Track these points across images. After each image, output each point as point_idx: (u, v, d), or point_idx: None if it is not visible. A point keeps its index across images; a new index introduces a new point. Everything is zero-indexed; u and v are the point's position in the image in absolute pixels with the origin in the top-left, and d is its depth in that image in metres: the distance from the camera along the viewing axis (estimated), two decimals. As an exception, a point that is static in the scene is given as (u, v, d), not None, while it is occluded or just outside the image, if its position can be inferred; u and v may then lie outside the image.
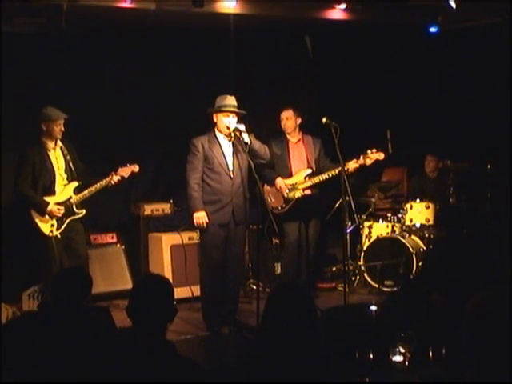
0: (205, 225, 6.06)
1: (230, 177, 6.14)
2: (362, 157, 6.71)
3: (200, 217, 6.05)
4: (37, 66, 7.07)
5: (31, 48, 6.99)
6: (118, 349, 2.94)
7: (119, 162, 6.42)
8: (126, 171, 6.39)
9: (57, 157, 6.34)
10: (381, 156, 6.76)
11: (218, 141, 6.16)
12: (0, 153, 6.71)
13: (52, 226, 6.22)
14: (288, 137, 7.12)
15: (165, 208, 7.56)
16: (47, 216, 6.21)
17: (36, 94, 7.03)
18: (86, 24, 6.81)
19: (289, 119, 7.06)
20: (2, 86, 6.68)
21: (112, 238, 7.47)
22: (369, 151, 6.71)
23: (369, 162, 6.73)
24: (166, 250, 7.21)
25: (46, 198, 6.25)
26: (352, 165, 6.68)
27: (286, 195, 6.93)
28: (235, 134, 6.06)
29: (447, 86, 8.61)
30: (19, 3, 5.96)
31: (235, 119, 6.10)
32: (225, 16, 6.88)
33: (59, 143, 6.35)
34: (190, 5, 6.41)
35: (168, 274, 6.93)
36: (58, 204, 6.25)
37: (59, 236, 6.24)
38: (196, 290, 6.66)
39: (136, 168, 6.44)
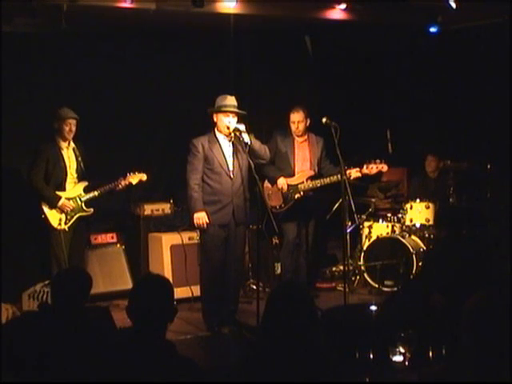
0: (205, 225, 6.05)
1: (230, 177, 6.13)
2: (365, 166, 6.69)
3: (200, 217, 6.04)
4: (37, 66, 7.07)
5: (31, 48, 6.99)
6: (118, 349, 2.94)
7: (119, 161, 6.41)
8: (134, 179, 6.59)
9: (69, 156, 6.53)
10: (384, 168, 6.72)
11: (218, 141, 6.15)
12: (0, 148, 6.75)
13: (60, 220, 6.40)
14: (294, 135, 7.06)
15: (165, 208, 7.56)
16: (57, 210, 6.39)
17: (36, 94, 7.04)
18: (86, 24, 6.82)
19: (300, 122, 6.94)
20: (1, 86, 6.68)
21: (112, 238, 7.48)
22: (372, 162, 6.69)
23: (371, 172, 6.73)
24: (165, 250, 7.20)
25: (57, 193, 6.43)
26: (354, 173, 6.66)
27: (286, 195, 6.93)
28: (235, 134, 6.05)
29: (447, 86, 8.60)
30: (19, 3, 5.96)
31: (235, 119, 6.09)
32: (225, 16, 6.87)
33: (72, 144, 6.53)
34: (189, 5, 6.41)
35: (168, 274, 6.93)
36: (68, 199, 6.44)
37: (67, 230, 6.43)
38: (196, 290, 6.65)
39: (144, 177, 6.65)
